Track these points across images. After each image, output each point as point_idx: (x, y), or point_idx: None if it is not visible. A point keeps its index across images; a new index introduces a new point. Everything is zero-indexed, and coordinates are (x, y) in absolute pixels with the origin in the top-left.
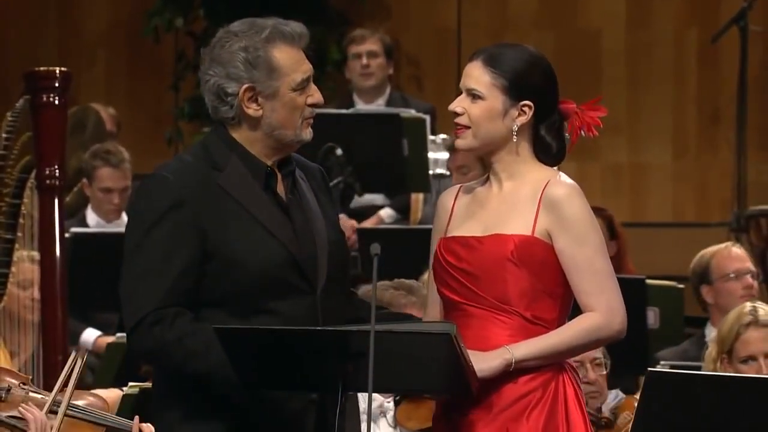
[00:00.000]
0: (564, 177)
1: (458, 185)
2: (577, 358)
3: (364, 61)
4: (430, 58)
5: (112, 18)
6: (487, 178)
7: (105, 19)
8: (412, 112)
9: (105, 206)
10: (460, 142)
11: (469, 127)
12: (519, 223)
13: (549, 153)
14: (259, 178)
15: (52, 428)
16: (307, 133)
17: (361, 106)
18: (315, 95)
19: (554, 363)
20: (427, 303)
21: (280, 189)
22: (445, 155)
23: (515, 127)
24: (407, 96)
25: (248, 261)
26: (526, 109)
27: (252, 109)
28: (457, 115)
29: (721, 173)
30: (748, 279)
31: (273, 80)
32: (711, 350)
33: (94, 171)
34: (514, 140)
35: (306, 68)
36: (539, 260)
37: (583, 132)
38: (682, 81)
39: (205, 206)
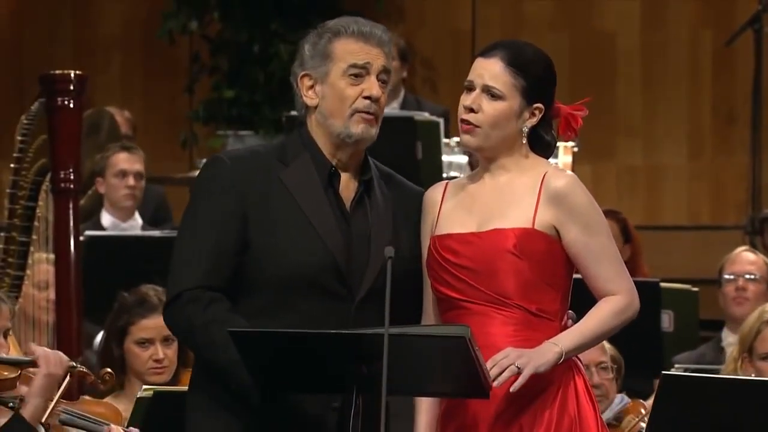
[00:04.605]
0: (559, 167)
1: (445, 181)
2: (583, 360)
3: None
4: (445, 60)
5: (127, 20)
6: (478, 173)
7: (120, 22)
8: (426, 115)
9: (120, 192)
10: (469, 140)
11: (479, 126)
12: (518, 215)
13: (548, 150)
14: (322, 176)
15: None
16: (359, 129)
17: None
18: (371, 88)
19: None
20: (423, 305)
21: (347, 193)
22: (459, 158)
23: (525, 129)
24: (421, 99)
25: (285, 256)
26: (536, 111)
27: (309, 98)
28: (469, 111)
29: (737, 175)
30: (740, 282)
31: (323, 65)
32: (733, 350)
33: (108, 160)
34: (524, 141)
35: (361, 57)
36: (541, 252)
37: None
38: (697, 82)
39: (256, 195)
